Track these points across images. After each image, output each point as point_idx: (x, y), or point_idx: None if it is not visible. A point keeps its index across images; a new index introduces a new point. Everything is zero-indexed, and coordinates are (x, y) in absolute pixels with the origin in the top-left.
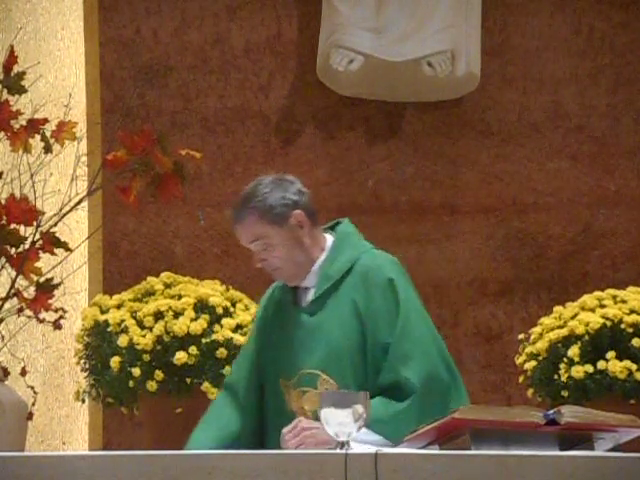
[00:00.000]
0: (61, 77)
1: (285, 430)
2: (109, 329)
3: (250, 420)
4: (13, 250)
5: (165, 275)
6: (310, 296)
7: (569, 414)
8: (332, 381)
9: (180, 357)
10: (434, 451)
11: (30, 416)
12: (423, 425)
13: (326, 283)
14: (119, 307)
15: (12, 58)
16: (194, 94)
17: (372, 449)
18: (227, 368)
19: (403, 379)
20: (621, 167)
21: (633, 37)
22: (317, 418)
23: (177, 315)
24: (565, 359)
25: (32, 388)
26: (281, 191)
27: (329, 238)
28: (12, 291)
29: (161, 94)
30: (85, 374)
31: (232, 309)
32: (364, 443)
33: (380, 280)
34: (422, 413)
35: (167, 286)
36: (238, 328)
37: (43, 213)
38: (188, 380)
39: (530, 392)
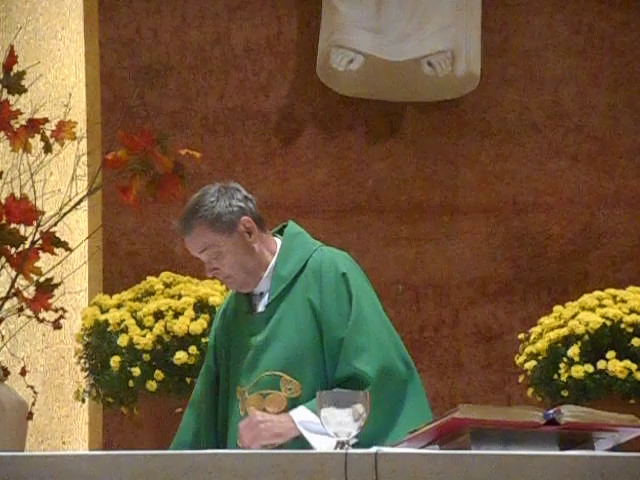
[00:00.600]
0: (61, 77)
1: (241, 425)
2: (109, 329)
3: (211, 433)
4: (13, 250)
5: (165, 275)
6: (265, 301)
7: (569, 414)
8: (295, 381)
9: (180, 357)
10: (434, 451)
11: (30, 416)
12: (424, 425)
13: (280, 286)
14: (119, 307)
15: (12, 58)
16: (194, 94)
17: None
18: None
19: (358, 371)
20: (621, 167)
21: (633, 37)
22: None
23: (177, 315)
24: (565, 359)
25: (32, 388)
26: (227, 199)
27: (278, 242)
28: (12, 291)
29: (161, 94)
30: (85, 374)
31: None
32: (319, 434)
33: (333, 275)
34: (378, 405)
35: (167, 286)
36: None
37: (43, 213)
38: (188, 380)
39: (530, 392)
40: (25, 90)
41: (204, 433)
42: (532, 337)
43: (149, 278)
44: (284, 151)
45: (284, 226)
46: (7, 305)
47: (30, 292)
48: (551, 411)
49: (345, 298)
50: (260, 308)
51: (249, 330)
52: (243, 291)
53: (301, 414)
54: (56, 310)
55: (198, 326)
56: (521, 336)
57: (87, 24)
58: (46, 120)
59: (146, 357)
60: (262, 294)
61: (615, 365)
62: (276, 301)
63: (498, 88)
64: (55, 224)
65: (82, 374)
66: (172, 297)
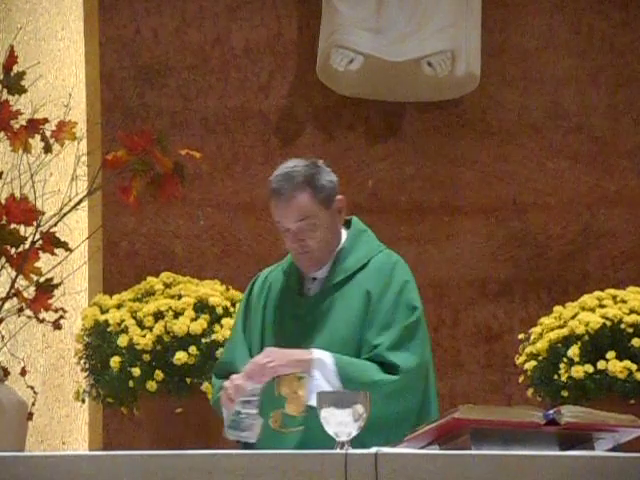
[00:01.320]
0: (61, 77)
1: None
2: (109, 329)
3: None
4: (13, 250)
5: (165, 275)
6: (318, 286)
7: (569, 414)
8: None
9: (180, 357)
10: (434, 451)
11: (30, 416)
12: (423, 425)
13: (340, 275)
14: (119, 307)
15: (12, 58)
16: (194, 94)
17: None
18: None
19: (387, 361)
20: (621, 167)
21: (633, 37)
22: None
23: (177, 315)
24: (565, 359)
25: (32, 388)
26: (326, 174)
27: (344, 233)
28: (12, 291)
29: (161, 94)
30: (85, 374)
31: (232, 309)
32: (329, 383)
33: (397, 278)
34: (401, 397)
35: (167, 286)
36: None
37: (43, 213)
38: (188, 380)
39: (530, 392)
40: (25, 90)
41: None
42: (532, 337)
43: (149, 278)
44: (284, 151)
45: (347, 220)
46: (7, 305)
47: (30, 292)
48: (551, 411)
49: (404, 305)
50: (312, 292)
51: (295, 311)
52: (312, 270)
53: (325, 356)
54: (56, 310)
55: (198, 326)
56: (521, 336)
57: (87, 24)
58: (46, 120)
59: (146, 357)
60: (315, 279)
61: (615, 365)
62: (332, 289)
63: (498, 88)
64: (55, 224)
65: (82, 374)
66: (172, 297)
